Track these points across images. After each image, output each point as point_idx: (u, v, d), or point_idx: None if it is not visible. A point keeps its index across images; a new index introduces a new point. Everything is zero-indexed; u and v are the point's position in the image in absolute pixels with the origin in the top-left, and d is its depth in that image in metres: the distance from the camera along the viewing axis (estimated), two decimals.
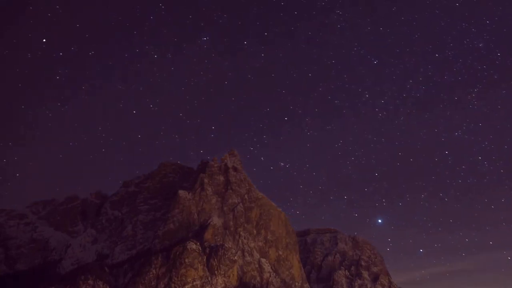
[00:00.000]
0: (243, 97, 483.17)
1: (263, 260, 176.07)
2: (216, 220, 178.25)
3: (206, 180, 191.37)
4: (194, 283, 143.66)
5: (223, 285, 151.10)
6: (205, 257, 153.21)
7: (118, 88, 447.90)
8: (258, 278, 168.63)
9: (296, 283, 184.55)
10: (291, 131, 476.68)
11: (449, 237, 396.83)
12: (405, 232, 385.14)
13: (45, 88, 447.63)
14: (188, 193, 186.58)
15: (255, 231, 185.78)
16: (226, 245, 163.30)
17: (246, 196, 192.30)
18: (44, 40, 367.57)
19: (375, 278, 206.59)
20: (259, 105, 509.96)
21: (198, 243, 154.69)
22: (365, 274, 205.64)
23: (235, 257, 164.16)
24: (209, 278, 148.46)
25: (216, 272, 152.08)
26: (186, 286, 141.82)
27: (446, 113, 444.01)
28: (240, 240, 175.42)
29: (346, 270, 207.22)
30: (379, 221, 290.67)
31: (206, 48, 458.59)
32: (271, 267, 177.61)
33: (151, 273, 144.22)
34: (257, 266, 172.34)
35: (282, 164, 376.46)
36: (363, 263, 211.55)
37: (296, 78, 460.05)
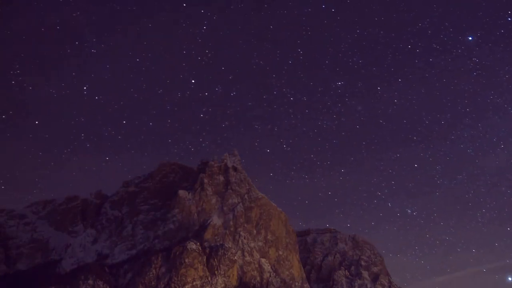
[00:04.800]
0: (374, 142, 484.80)
1: (263, 260, 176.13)
2: (216, 220, 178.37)
3: (206, 180, 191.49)
4: (194, 283, 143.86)
5: (223, 285, 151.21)
6: (205, 257, 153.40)
7: (255, 128, 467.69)
8: (258, 278, 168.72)
9: (296, 283, 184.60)
10: (420, 178, 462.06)
11: None
12: None
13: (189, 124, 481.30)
14: (188, 193, 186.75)
15: (255, 231, 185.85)
16: (226, 245, 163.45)
17: (246, 196, 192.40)
18: (193, 81, 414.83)
19: (375, 278, 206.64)
20: (389, 151, 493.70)
21: (198, 243, 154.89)
22: (365, 274, 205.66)
23: (235, 257, 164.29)
24: (209, 278, 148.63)
25: (216, 272, 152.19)
26: (186, 286, 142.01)
27: None
28: (240, 240, 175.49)
29: (346, 270, 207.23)
30: (510, 279, 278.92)
31: (340, 92, 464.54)
32: (271, 267, 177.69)
33: (151, 273, 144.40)
34: (257, 266, 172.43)
35: (409, 211, 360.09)
36: (363, 263, 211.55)
37: (428, 124, 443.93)
